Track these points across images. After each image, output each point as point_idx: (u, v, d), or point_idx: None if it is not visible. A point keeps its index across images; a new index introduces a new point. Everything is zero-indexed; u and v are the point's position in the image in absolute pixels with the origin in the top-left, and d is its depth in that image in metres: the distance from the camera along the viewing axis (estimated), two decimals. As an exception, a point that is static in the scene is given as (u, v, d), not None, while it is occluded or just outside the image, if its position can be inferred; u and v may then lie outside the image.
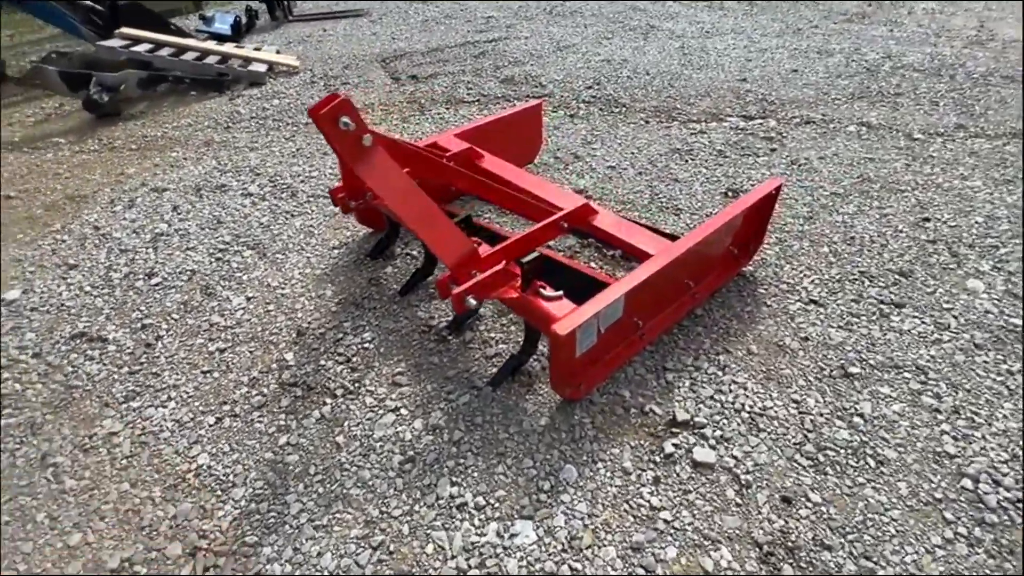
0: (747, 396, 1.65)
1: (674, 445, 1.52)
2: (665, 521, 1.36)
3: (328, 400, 1.72)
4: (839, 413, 1.59)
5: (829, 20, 5.54)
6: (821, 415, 1.59)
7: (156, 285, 2.26)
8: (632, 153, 3.14)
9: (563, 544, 1.32)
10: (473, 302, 1.51)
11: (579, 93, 3.99)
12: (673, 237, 1.87)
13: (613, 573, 1.26)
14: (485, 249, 1.73)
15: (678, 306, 1.91)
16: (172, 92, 4.31)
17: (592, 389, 1.69)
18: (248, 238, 2.52)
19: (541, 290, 1.57)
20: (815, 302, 2.00)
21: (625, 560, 1.29)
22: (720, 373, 1.73)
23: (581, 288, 1.64)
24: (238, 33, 5.45)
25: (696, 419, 1.58)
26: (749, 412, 1.61)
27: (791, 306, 1.99)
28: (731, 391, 1.67)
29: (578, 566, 1.28)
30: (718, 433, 1.55)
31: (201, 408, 1.72)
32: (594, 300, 1.54)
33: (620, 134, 3.38)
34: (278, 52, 4.85)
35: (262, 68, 4.36)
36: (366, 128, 1.44)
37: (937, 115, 3.37)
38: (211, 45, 4.51)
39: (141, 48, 4.11)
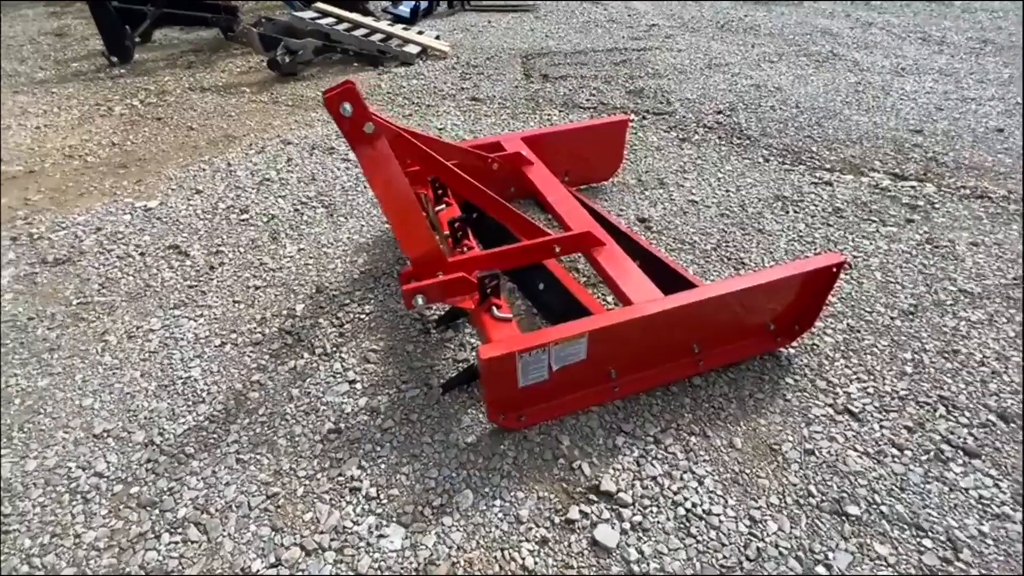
0: (696, 492, 1.41)
1: (581, 513, 1.37)
2: (528, 586, 1.25)
3: (306, 355, 1.88)
4: (799, 553, 1.28)
5: (1096, 73, 4.25)
6: (776, 546, 1.30)
7: (243, 221, 2.66)
8: (726, 191, 2.81)
9: (419, 564, 1.29)
10: (420, 301, 1.52)
11: (704, 117, 3.65)
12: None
13: (448, 613, 1.20)
14: (475, 253, 1.72)
15: (671, 368, 1.70)
16: (341, 62, 4.95)
17: (535, 424, 1.59)
18: (327, 197, 2.83)
19: (494, 308, 1.52)
20: (851, 413, 1.62)
21: (467, 606, 1.22)
22: (680, 456, 1.51)
23: (574, 315, 1.56)
24: (415, 17, 6.02)
25: (621, 495, 1.40)
26: (688, 510, 1.38)
27: (815, 409, 1.63)
28: (681, 480, 1.44)
29: (420, 591, 1.25)
30: (637, 519, 1.36)
31: (217, 330, 2.01)
32: (540, 333, 1.45)
33: (725, 168, 3.03)
34: (437, 38, 5.25)
35: (414, 50, 4.77)
36: (368, 116, 1.53)
37: None
38: (382, 25, 5.06)
39: (324, 21, 4.79)
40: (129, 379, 1.82)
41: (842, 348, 1.85)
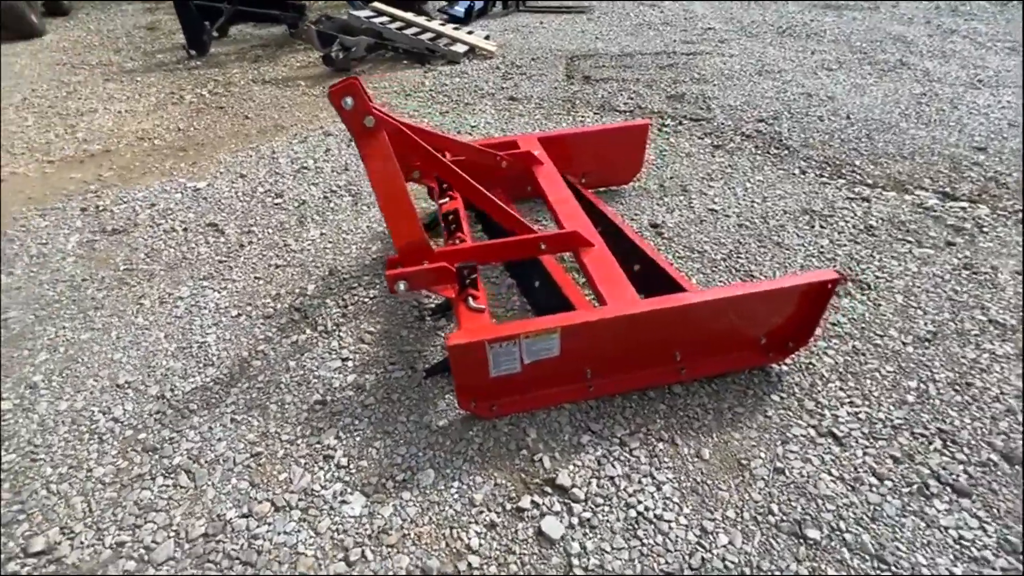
0: (652, 497, 1.41)
1: (533, 503, 1.41)
2: (469, 564, 1.30)
3: (308, 331, 2.02)
4: (746, 569, 1.26)
5: None
6: (723, 559, 1.28)
7: (276, 204, 2.86)
8: (750, 202, 2.72)
9: (372, 531, 1.37)
10: (403, 287, 1.59)
11: (744, 124, 3.54)
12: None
13: (390, 580, 1.27)
14: (462, 245, 1.79)
15: (651, 374, 1.69)
16: (392, 59, 5.16)
17: (506, 415, 1.64)
18: (355, 186, 2.99)
19: (469, 299, 1.58)
20: (834, 437, 1.55)
21: (409, 576, 1.28)
22: (643, 460, 1.50)
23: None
24: (469, 17, 6.16)
25: (575, 490, 1.42)
26: (639, 513, 1.38)
27: (795, 429, 1.58)
28: (639, 483, 1.44)
29: (369, 556, 1.32)
30: (587, 515, 1.37)
31: (235, 302, 2.19)
32: (510, 325, 1.49)
33: (756, 179, 2.93)
34: (487, 38, 5.36)
35: (461, 49, 4.90)
36: (368, 110, 1.62)
37: None
38: (433, 24, 5.23)
39: (378, 20, 5.02)
40: (154, 339, 2.02)
41: (840, 370, 1.76)
